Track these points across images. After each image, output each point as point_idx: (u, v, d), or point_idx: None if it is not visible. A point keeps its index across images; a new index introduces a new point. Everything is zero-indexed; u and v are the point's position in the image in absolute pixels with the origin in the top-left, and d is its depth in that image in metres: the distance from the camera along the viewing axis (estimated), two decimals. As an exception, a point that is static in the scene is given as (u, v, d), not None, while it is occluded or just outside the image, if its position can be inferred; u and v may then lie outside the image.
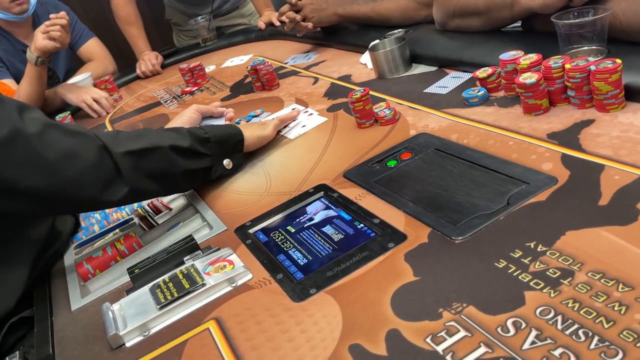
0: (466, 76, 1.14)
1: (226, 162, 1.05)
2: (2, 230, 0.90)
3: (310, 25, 1.65)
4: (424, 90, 1.16)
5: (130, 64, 2.36)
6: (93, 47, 2.38)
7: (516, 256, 0.63)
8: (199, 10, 2.45)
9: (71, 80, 2.12)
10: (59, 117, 1.78)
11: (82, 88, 2.03)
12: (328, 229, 0.82)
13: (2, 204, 0.80)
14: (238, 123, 1.29)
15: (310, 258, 0.76)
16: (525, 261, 0.61)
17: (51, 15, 1.87)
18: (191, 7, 2.49)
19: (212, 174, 1.03)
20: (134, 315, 0.74)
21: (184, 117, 1.24)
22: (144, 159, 0.90)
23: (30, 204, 0.82)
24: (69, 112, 1.80)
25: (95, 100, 1.95)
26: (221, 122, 1.25)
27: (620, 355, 0.47)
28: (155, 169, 0.92)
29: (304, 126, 1.21)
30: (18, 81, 2.12)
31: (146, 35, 2.33)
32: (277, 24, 2.15)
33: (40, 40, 1.84)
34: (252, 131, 1.12)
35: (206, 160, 1.01)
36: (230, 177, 1.09)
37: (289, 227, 0.86)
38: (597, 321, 0.51)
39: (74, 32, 2.34)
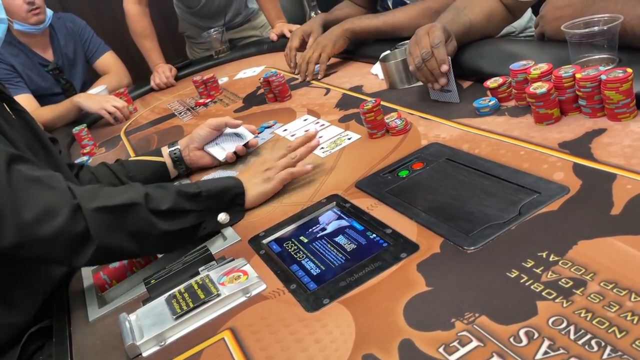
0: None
1: (222, 217, 0.94)
2: None
3: (323, 67, 1.66)
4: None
5: (144, 77, 2.40)
6: (108, 60, 2.43)
7: (528, 266, 0.63)
8: (212, 23, 2.48)
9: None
10: (75, 130, 1.80)
11: (100, 96, 2.07)
12: (340, 239, 0.82)
13: None
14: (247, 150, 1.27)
15: (323, 268, 0.77)
16: (538, 271, 0.62)
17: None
18: (204, 20, 2.52)
19: (201, 231, 0.93)
20: (150, 325, 0.75)
21: (199, 135, 1.25)
22: (118, 215, 0.85)
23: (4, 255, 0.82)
24: (84, 125, 1.83)
25: (116, 107, 1.98)
26: (236, 140, 1.26)
27: (633, 365, 0.47)
28: (130, 227, 0.86)
29: (320, 137, 1.22)
30: (35, 94, 2.17)
31: (160, 48, 2.37)
32: (289, 35, 2.17)
33: (109, 106, 1.99)
34: (254, 186, 0.99)
35: (193, 217, 0.91)
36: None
37: (302, 238, 0.86)
38: (609, 331, 0.51)
39: (90, 45, 2.40)
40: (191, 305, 0.76)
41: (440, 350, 0.56)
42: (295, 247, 0.84)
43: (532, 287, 0.60)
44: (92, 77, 2.44)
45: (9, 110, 1.06)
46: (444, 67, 1.08)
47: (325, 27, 1.74)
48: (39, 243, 0.81)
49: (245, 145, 1.26)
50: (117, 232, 0.85)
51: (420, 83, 1.30)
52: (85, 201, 0.83)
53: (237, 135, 1.28)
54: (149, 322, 0.76)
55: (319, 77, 1.66)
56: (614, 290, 0.55)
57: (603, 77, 0.82)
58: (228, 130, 1.28)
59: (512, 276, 0.62)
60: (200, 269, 0.84)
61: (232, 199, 0.97)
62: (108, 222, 0.84)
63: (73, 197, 0.83)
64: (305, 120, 1.35)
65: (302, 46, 1.77)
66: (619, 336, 0.50)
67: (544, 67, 0.93)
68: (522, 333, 0.54)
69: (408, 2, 1.62)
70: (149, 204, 0.87)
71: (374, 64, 1.53)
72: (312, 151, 1.06)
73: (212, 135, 1.26)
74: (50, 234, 0.80)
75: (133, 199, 0.87)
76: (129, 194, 0.87)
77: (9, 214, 0.79)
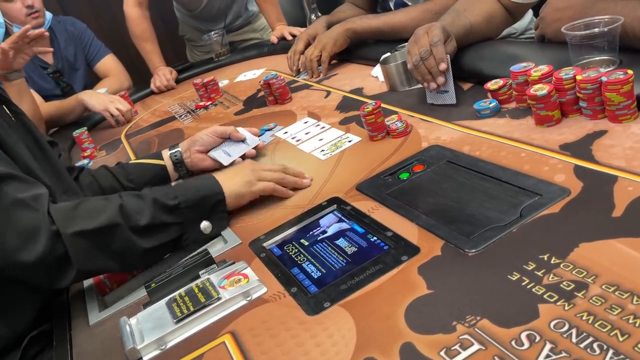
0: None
1: (204, 225, 0.93)
2: None
3: (325, 66, 1.68)
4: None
5: (145, 80, 2.40)
6: (109, 63, 2.43)
7: (529, 269, 0.63)
8: (212, 26, 2.48)
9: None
10: (75, 133, 1.80)
11: (105, 96, 2.07)
12: (341, 242, 0.82)
13: None
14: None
15: (324, 271, 0.77)
16: (539, 274, 0.61)
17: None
18: (204, 23, 2.53)
19: (182, 243, 0.92)
20: (150, 329, 0.75)
21: (204, 139, 1.24)
22: (97, 238, 0.84)
23: None
24: (85, 128, 1.83)
25: (119, 110, 1.99)
26: (241, 146, 1.26)
27: (636, 368, 0.47)
28: (110, 249, 0.85)
29: (320, 140, 1.22)
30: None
31: (160, 51, 2.37)
32: (289, 38, 2.17)
33: (113, 109, 1.98)
34: (233, 186, 0.97)
35: (174, 230, 0.91)
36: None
37: (302, 240, 0.86)
38: (611, 334, 0.51)
39: (91, 48, 2.40)
40: (192, 308, 0.75)
41: (442, 353, 0.56)
42: (296, 250, 0.84)
43: (533, 289, 0.60)
44: (93, 80, 2.45)
45: (8, 112, 1.06)
46: (442, 66, 1.08)
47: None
48: (21, 268, 0.82)
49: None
50: (97, 255, 0.85)
51: (420, 85, 1.30)
52: (63, 226, 0.83)
53: (241, 140, 1.27)
54: (150, 325, 0.76)
55: (320, 76, 1.67)
56: (616, 293, 0.55)
57: (604, 78, 0.82)
58: None
59: (514, 279, 0.62)
60: (200, 273, 0.84)
61: (213, 206, 0.94)
62: (87, 247, 0.84)
63: (52, 222, 0.83)
64: (305, 122, 1.35)
65: None
66: (621, 339, 0.50)
67: (544, 69, 0.93)
68: (523, 336, 0.54)
69: (409, 3, 1.62)
70: (128, 222, 0.86)
71: (374, 66, 1.53)
72: (299, 187, 1.02)
73: (216, 142, 1.26)
74: (31, 260, 0.81)
75: (112, 220, 0.85)
76: (107, 214, 0.86)
77: None
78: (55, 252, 0.82)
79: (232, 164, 1.22)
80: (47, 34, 1.77)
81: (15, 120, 1.07)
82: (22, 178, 0.88)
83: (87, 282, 0.98)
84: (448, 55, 1.09)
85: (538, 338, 0.53)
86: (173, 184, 0.94)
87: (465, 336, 0.57)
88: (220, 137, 1.25)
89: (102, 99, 2.03)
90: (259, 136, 1.32)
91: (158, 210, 0.89)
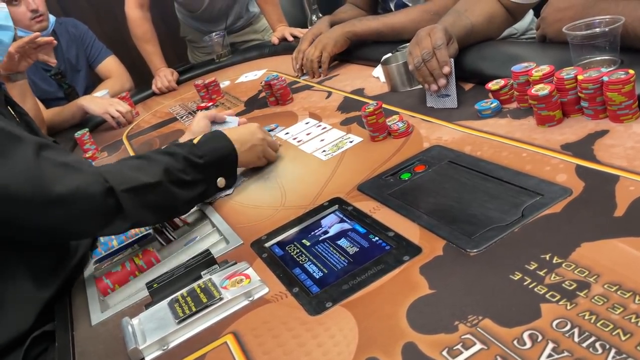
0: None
1: (219, 180, 1.06)
2: (18, 247, 0.92)
3: (325, 67, 1.69)
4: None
5: (146, 81, 2.41)
6: (111, 64, 2.43)
7: (531, 268, 0.63)
8: (213, 27, 2.49)
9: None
10: (77, 134, 1.81)
11: (105, 99, 2.08)
12: (343, 242, 0.82)
13: (10, 235, 0.87)
14: None
15: (326, 271, 0.77)
16: (541, 273, 0.61)
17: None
18: (206, 24, 2.53)
19: (205, 195, 1.05)
20: (153, 329, 0.75)
21: (200, 127, 1.26)
22: (146, 194, 0.93)
23: (35, 236, 0.89)
24: (87, 129, 1.84)
25: (119, 112, 1.99)
26: (228, 125, 1.27)
27: (638, 367, 0.47)
28: (156, 202, 0.95)
29: (322, 140, 1.22)
30: (40, 98, 2.17)
31: (162, 52, 2.37)
32: (290, 39, 2.18)
33: (113, 111, 1.99)
34: (244, 156, 1.11)
35: (201, 186, 1.03)
36: (245, 192, 1.11)
37: (304, 241, 0.86)
38: (614, 334, 0.51)
39: (92, 50, 2.41)
40: (194, 309, 0.76)
41: (444, 353, 0.56)
42: (298, 251, 0.84)
43: (535, 289, 0.60)
44: (94, 81, 2.45)
45: (13, 113, 1.07)
46: (446, 69, 1.08)
47: None
48: (75, 220, 0.86)
49: None
50: (145, 208, 0.93)
51: (421, 85, 1.30)
52: (116, 183, 0.89)
53: (224, 123, 1.30)
54: (152, 326, 0.76)
55: (321, 77, 1.67)
56: (618, 293, 0.55)
57: (605, 78, 0.82)
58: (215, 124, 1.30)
59: (515, 279, 0.62)
60: (202, 273, 0.84)
61: (228, 167, 1.08)
62: (138, 201, 0.91)
63: (105, 180, 0.88)
64: (307, 123, 1.35)
65: None
66: (623, 338, 0.50)
67: (545, 69, 0.93)
68: (525, 336, 0.54)
69: (409, 4, 1.62)
70: (170, 177, 0.95)
71: (375, 66, 1.53)
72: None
73: (209, 126, 1.29)
74: (85, 210, 0.85)
75: (157, 177, 0.94)
76: (153, 172, 0.94)
77: (45, 197, 0.83)
78: (110, 205, 0.88)
79: None
80: (55, 42, 1.78)
81: (19, 121, 1.08)
82: (59, 148, 0.92)
83: (90, 283, 0.98)
84: (452, 59, 1.10)
85: (540, 337, 0.54)
86: (195, 141, 1.05)
87: (468, 336, 0.57)
88: (211, 120, 1.30)
89: (101, 102, 2.04)
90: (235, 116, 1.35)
91: (189, 167, 1.00)
